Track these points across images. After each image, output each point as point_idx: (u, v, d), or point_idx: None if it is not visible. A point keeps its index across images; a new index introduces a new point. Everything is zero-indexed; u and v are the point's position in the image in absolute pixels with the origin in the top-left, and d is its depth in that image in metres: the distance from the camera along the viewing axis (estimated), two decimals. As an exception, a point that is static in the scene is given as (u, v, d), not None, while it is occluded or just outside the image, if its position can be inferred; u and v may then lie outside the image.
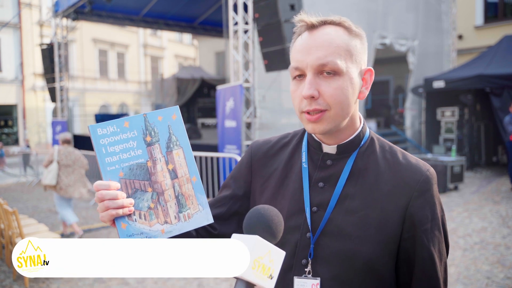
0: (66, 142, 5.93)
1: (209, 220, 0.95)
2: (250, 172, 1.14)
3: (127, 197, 0.88)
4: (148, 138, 0.92)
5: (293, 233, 1.01)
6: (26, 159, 13.83)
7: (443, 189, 8.16)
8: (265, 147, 1.16)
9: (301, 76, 0.96)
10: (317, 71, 0.93)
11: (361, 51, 0.98)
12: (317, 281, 0.96)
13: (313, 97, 0.92)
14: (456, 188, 8.50)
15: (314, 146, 1.06)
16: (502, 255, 4.72)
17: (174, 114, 0.95)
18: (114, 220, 0.87)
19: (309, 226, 0.99)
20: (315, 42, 0.94)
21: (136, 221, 0.89)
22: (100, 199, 0.86)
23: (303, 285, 0.97)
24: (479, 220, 6.24)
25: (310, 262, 0.98)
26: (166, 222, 0.91)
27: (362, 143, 1.03)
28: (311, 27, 0.96)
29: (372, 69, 1.01)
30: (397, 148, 1.05)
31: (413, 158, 1.03)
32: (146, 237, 0.89)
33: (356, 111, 1.02)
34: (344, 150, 1.02)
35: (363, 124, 1.05)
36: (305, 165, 1.05)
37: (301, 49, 0.95)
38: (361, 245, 0.94)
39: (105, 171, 0.89)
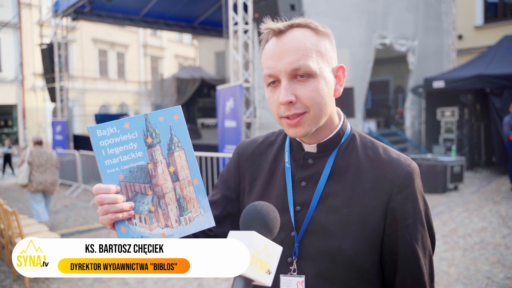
0: (38, 143, 6.34)
1: (211, 223, 0.94)
2: (238, 172, 1.16)
3: (127, 201, 0.88)
4: (149, 140, 0.90)
5: (278, 232, 1.02)
6: (7, 160, 13.84)
7: (443, 189, 8.16)
8: (251, 146, 1.17)
9: (275, 82, 0.96)
10: (291, 75, 0.93)
11: (331, 50, 0.99)
12: (302, 278, 0.97)
13: (291, 102, 0.92)
14: (456, 188, 8.50)
15: (296, 146, 1.07)
16: (502, 255, 4.72)
17: (176, 114, 0.93)
18: (114, 223, 0.87)
19: (293, 225, 1.00)
20: (285, 47, 0.94)
21: (136, 225, 0.87)
22: (99, 202, 0.86)
23: (289, 283, 0.99)
24: (479, 220, 6.24)
25: (295, 260, 0.99)
26: (166, 226, 0.90)
27: (342, 140, 1.04)
28: (278, 32, 0.96)
29: (344, 65, 1.02)
30: (379, 144, 1.06)
31: (395, 153, 1.03)
32: None
33: (334, 108, 1.03)
34: (324, 148, 1.03)
35: (343, 121, 1.06)
36: (287, 165, 1.07)
37: (272, 55, 0.95)
38: (344, 242, 0.95)
39: (105, 174, 0.87)
